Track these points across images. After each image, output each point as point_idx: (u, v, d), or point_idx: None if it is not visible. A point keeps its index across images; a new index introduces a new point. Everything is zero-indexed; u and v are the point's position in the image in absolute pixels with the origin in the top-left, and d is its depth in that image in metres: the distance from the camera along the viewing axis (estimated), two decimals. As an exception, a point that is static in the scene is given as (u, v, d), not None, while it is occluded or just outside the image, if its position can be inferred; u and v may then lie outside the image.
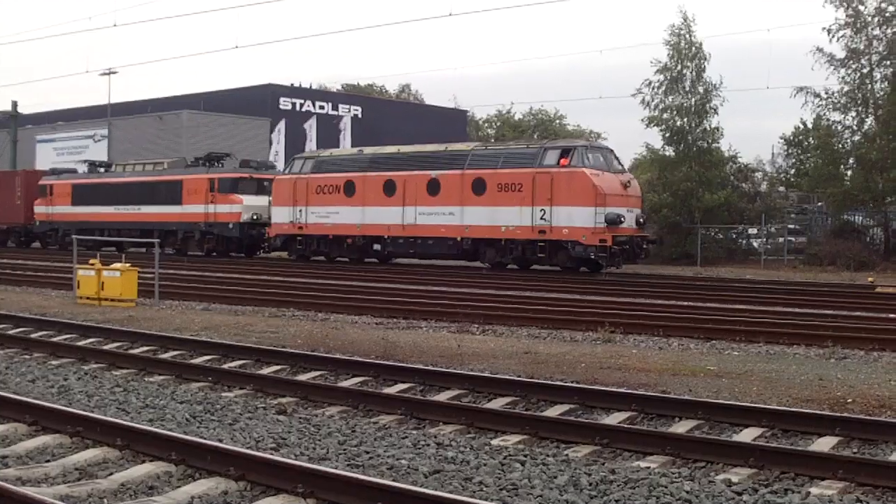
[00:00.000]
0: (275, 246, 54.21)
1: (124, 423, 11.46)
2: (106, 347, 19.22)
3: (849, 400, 13.95)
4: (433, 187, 46.12)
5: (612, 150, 46.00)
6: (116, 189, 61.65)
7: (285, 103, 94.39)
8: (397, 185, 47.39)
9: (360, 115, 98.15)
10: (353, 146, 79.76)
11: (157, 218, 58.52)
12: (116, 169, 64.86)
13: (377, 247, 49.08)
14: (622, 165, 46.41)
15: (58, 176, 68.33)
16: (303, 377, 15.92)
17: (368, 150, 52.45)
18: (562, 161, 42.41)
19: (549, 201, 42.05)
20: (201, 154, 61.55)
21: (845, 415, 12.73)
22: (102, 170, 66.36)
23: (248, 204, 54.65)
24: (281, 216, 52.08)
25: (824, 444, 11.50)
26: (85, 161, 69.95)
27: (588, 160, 42.45)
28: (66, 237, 59.94)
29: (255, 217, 54.66)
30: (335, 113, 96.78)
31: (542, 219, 42.28)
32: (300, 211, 51.02)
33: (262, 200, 54.75)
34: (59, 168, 72.50)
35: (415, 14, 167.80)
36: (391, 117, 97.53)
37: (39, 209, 67.25)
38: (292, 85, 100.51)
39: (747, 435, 11.99)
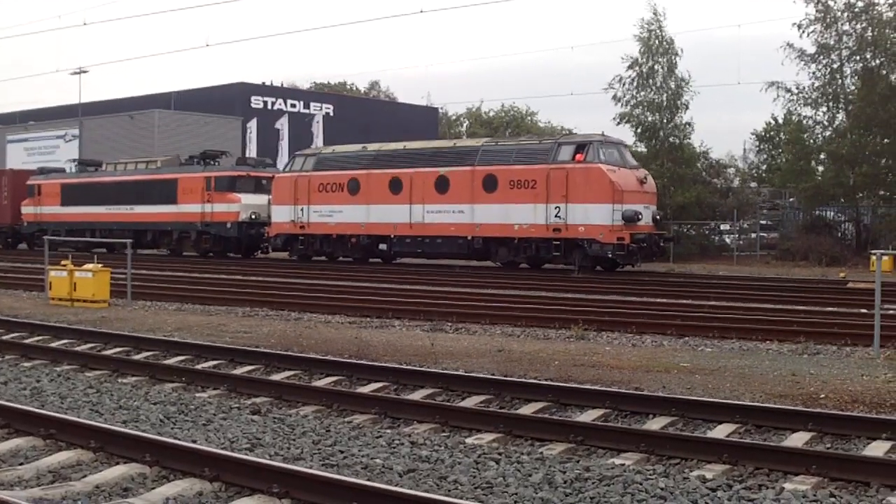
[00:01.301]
0: (275, 246, 52.86)
1: (98, 424, 11.41)
2: (79, 349, 19.14)
3: (821, 395, 14.00)
4: (442, 184, 45.07)
5: (626, 145, 45.44)
6: (108, 188, 60.52)
7: (257, 102, 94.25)
8: (404, 183, 46.27)
9: (331, 113, 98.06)
10: (324, 144, 79.65)
11: (152, 218, 57.51)
12: (107, 168, 63.60)
13: (383, 246, 48.11)
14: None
15: (46, 175, 67.22)
16: (277, 377, 15.89)
17: (372, 146, 51.09)
18: (577, 156, 41.33)
19: (564, 198, 41.03)
20: (174, 153, 61.38)
21: (818, 410, 12.79)
22: (93, 169, 65.04)
23: (247, 203, 53.52)
24: (281, 215, 50.86)
25: (797, 440, 11.55)
26: (73, 160, 68.66)
27: (604, 155, 41.42)
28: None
29: (253, 216, 53.48)
30: (307, 111, 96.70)
31: (556, 216, 41.29)
32: (302, 210, 49.82)
33: (260, 199, 53.72)
34: (48, 167, 71.35)
35: (385, 11, 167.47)
36: (363, 115, 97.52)
37: (27, 209, 66.08)
38: (263, 83, 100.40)
39: (721, 431, 12.02)
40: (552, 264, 43.52)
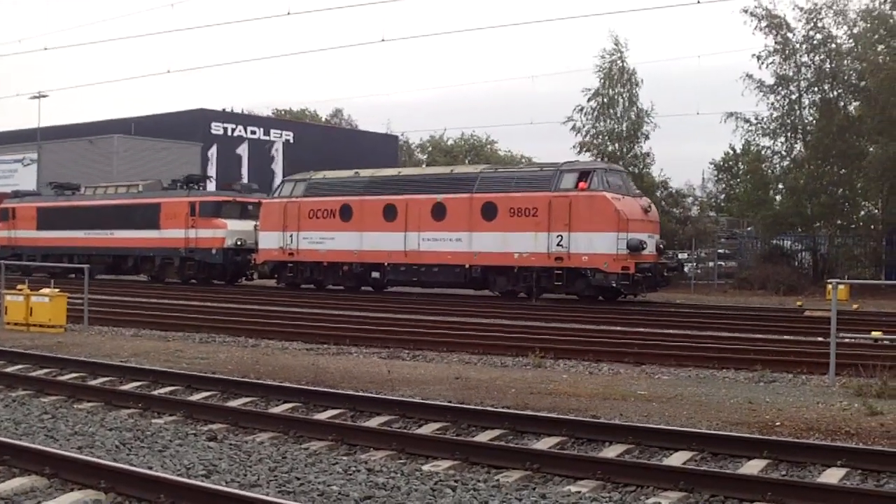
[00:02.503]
0: (263, 273, 51.63)
1: (53, 450, 11.35)
2: (34, 374, 19.00)
3: (777, 423, 14.09)
4: (438, 212, 43.94)
5: (628, 173, 44.72)
6: (87, 213, 58.74)
7: (217, 128, 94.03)
8: (398, 210, 45.08)
9: (291, 140, 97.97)
10: (284, 171, 79.54)
11: (133, 243, 56.00)
12: (86, 192, 61.79)
13: (376, 274, 46.56)
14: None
15: (20, 199, 65.49)
16: (233, 403, 15.85)
17: (366, 172, 49.95)
18: (580, 184, 40.44)
19: (566, 227, 40.13)
20: (135, 178, 60.91)
21: (774, 437, 12.86)
22: (69, 192, 63.08)
23: (233, 229, 52.10)
24: (269, 241, 49.44)
25: (753, 467, 11.60)
26: (50, 183, 66.63)
27: (608, 183, 40.65)
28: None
29: (239, 243, 51.97)
30: (267, 138, 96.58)
31: (559, 245, 40.36)
32: (291, 236, 48.46)
33: (246, 225, 52.25)
34: (22, 191, 69.75)
35: (347, 40, 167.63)
36: (323, 142, 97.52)
37: (1, 234, 63.77)
38: (224, 110, 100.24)
39: (677, 458, 12.06)
40: (552, 293, 42.31)
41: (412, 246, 44.57)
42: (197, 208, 52.99)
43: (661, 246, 42.46)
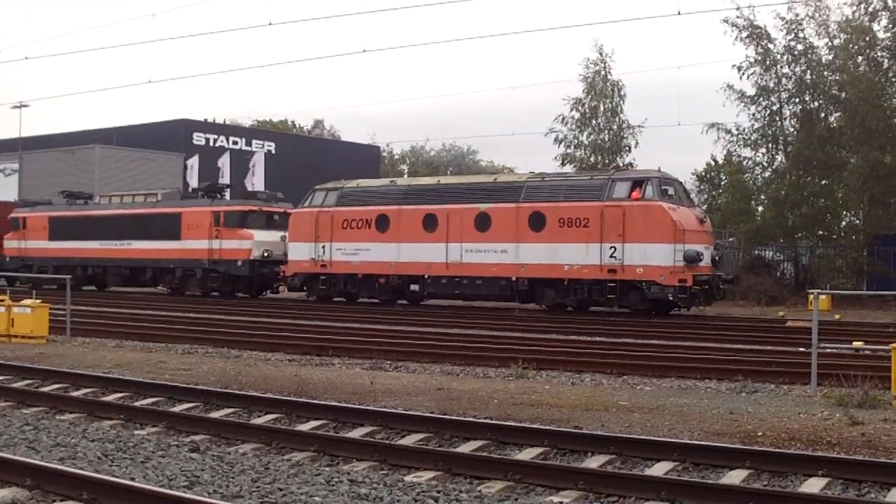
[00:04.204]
0: (293, 286, 49.11)
1: (34, 462, 11.33)
2: (15, 385, 18.95)
3: (759, 433, 14.13)
4: (482, 222, 42.19)
5: (682, 182, 43.43)
6: (102, 222, 56.76)
7: (198, 138, 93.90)
8: (439, 220, 43.33)
9: (273, 151, 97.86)
10: (266, 182, 79.38)
11: (152, 254, 54.06)
12: (101, 201, 60.17)
13: (415, 287, 44.68)
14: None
15: (31, 208, 63.03)
16: (216, 414, 15.84)
17: (402, 180, 48.41)
18: (633, 193, 38.99)
19: (620, 237, 38.59)
20: (117, 189, 60.30)
21: (755, 448, 12.91)
22: (82, 202, 61.03)
23: (259, 239, 50.22)
24: (300, 253, 47.38)
25: (735, 477, 11.63)
26: (61, 192, 63.75)
27: (662, 193, 39.13)
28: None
29: (266, 254, 50.16)
30: (248, 148, 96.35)
31: (612, 256, 38.79)
32: (323, 247, 46.51)
33: (273, 235, 50.52)
34: (32, 200, 67.18)
35: (329, 51, 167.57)
36: (305, 153, 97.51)
37: (10, 244, 61.63)
38: (206, 120, 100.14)
39: (659, 469, 12.09)
40: (602, 307, 41.05)
41: (454, 257, 42.98)
42: (221, 218, 51.25)
43: (717, 258, 41.19)
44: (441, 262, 43.18)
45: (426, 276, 43.91)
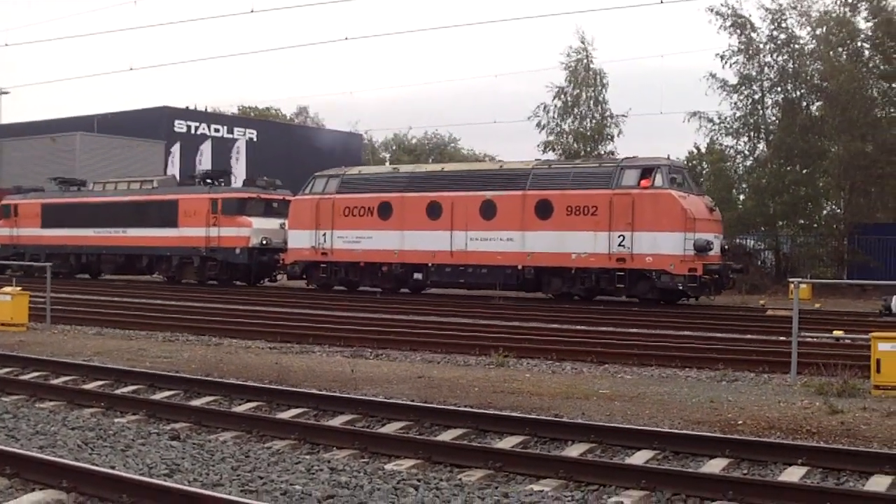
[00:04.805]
0: (292, 274, 48.69)
1: (13, 450, 11.30)
2: (-5, 373, 18.96)
3: (739, 422, 14.17)
4: (488, 210, 41.76)
5: (690, 170, 42.66)
6: (96, 210, 56.01)
7: (180, 126, 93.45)
8: (444, 207, 42.86)
9: (255, 139, 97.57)
10: (247, 169, 79.17)
11: (148, 242, 53.40)
12: (94, 188, 58.86)
13: (418, 275, 44.26)
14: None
15: (24, 195, 61.99)
16: (196, 402, 15.84)
17: (406, 167, 48.24)
18: (643, 181, 38.69)
19: (629, 226, 38.21)
20: (99, 176, 59.79)
21: (735, 436, 12.95)
22: (75, 188, 60.50)
23: (258, 227, 49.64)
24: (300, 240, 46.83)
25: (715, 466, 11.67)
26: (54, 178, 63.41)
27: (672, 181, 38.79)
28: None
29: (265, 242, 49.60)
30: (230, 136, 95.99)
31: (620, 245, 38.40)
32: (324, 235, 45.95)
33: (271, 223, 50.00)
34: (24, 186, 65.55)
35: (311, 38, 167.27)
36: (286, 140, 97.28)
37: (2, 232, 60.81)
38: (187, 108, 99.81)
39: (639, 457, 12.12)
40: (610, 296, 40.93)
41: (459, 245, 42.47)
42: (219, 205, 50.68)
43: (726, 247, 41.02)
44: (445, 251, 42.75)
45: (430, 265, 43.52)
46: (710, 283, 38.30)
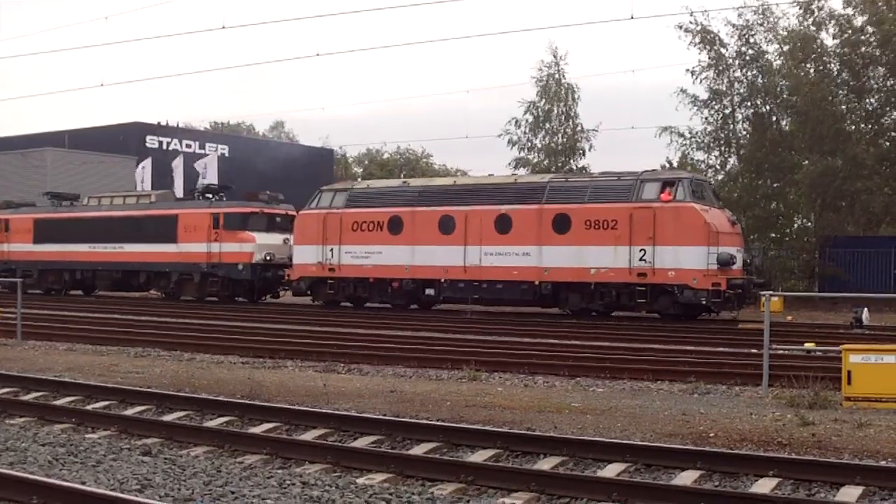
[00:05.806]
0: (298, 290, 47.25)
1: (-16, 466, 11.28)
2: (-35, 389, 18.87)
3: (711, 434, 14.21)
4: (503, 224, 40.83)
5: (711, 183, 42.50)
6: (91, 225, 54.75)
7: (152, 141, 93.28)
8: (457, 222, 41.91)
9: (227, 154, 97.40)
10: (219, 184, 79.02)
11: (146, 258, 52.18)
12: (89, 202, 57.52)
13: (430, 291, 43.29)
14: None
15: (15, 209, 60.86)
16: (168, 417, 15.79)
17: (416, 181, 47.56)
18: (663, 195, 37.84)
19: (650, 240, 37.46)
20: (74, 191, 59.34)
21: (707, 448, 12.98)
22: (69, 203, 59.10)
23: (262, 242, 48.62)
24: (306, 256, 45.82)
25: (686, 478, 11.69)
26: (46, 193, 62.47)
27: (693, 194, 38.05)
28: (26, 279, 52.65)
29: (268, 257, 48.60)
30: (202, 151, 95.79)
31: (641, 259, 37.66)
32: (331, 250, 44.91)
33: (275, 238, 49.18)
34: (14, 201, 64.34)
35: (282, 54, 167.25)
36: (258, 155, 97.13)
37: None
38: (159, 123, 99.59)
39: (611, 470, 12.13)
40: (631, 312, 40.24)
41: (473, 260, 41.60)
42: (221, 220, 49.67)
43: (749, 261, 40.13)
44: (459, 266, 41.96)
45: (442, 280, 42.68)
46: (734, 297, 37.68)
